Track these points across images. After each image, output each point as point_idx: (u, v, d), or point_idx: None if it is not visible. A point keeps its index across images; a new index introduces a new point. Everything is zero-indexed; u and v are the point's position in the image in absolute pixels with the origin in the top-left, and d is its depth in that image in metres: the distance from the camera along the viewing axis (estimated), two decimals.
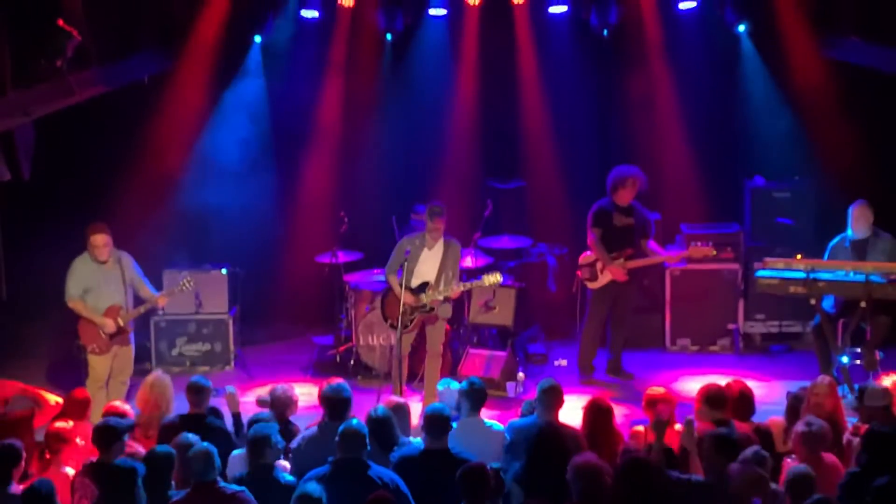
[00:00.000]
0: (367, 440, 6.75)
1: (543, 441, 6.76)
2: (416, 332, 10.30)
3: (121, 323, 9.77)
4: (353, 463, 6.65)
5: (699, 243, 11.04)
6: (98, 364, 9.76)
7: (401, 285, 9.95)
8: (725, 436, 6.57)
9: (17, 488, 6.88)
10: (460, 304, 11.42)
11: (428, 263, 10.14)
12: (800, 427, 7.01)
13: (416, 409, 8.72)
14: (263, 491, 6.67)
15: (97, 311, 9.74)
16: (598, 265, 10.94)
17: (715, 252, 10.95)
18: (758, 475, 6.30)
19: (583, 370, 11.19)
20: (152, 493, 6.55)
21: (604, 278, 10.94)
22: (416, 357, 10.60)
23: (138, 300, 10.05)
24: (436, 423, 7.03)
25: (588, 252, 11.07)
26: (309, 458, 7.13)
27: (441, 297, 10.08)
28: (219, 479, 6.72)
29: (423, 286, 10.09)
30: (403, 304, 9.95)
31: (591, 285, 11.07)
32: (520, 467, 6.70)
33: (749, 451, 6.61)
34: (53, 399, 8.58)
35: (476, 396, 7.73)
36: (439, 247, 10.17)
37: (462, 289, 10.16)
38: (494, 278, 10.09)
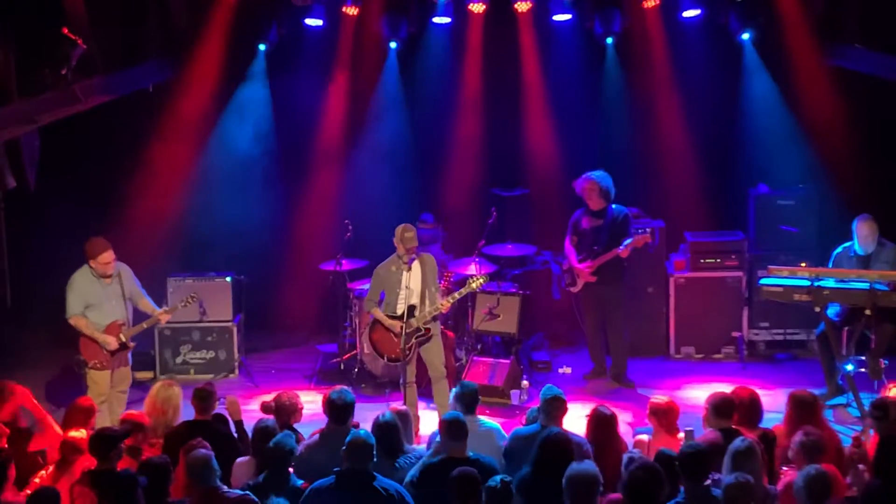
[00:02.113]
0: (375, 451, 6.75)
1: (547, 449, 6.75)
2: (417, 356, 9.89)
3: (123, 339, 9.68)
4: (359, 474, 6.64)
5: (649, 239, 11.03)
6: (100, 378, 9.66)
7: (389, 317, 9.71)
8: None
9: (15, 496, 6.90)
10: (464, 312, 11.43)
11: (411, 286, 9.64)
12: (798, 437, 7.01)
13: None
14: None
15: (99, 328, 9.62)
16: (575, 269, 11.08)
17: (650, 237, 11.00)
18: (745, 482, 6.29)
19: (597, 375, 11.39)
20: (151, 502, 6.55)
21: (580, 282, 11.02)
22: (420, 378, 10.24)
23: (137, 313, 9.98)
24: (454, 429, 7.05)
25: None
26: (311, 465, 7.14)
27: (430, 317, 9.71)
28: (220, 484, 6.75)
29: (411, 310, 9.63)
30: (396, 336, 9.62)
31: (573, 290, 11.20)
32: (523, 475, 6.69)
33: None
34: (59, 430, 8.23)
35: (468, 398, 7.80)
36: (416, 265, 9.73)
37: (450, 302, 9.82)
38: (478, 282, 9.87)
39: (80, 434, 7.57)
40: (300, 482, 6.95)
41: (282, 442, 6.96)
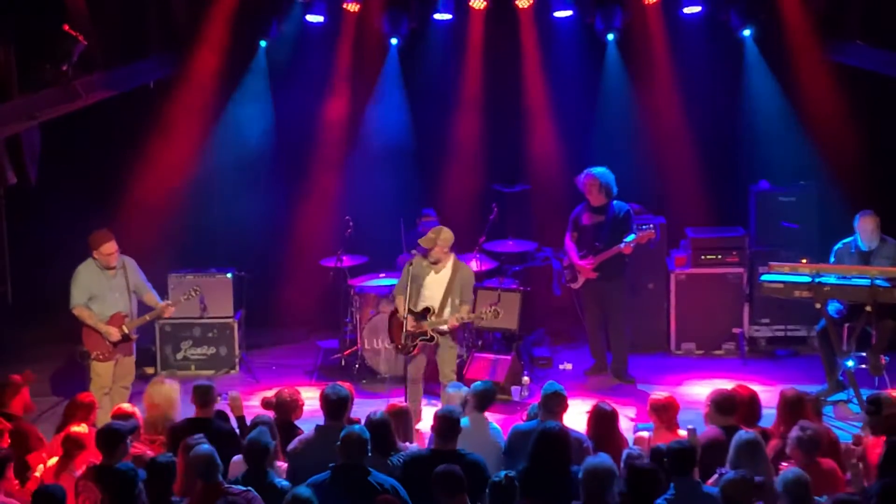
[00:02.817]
0: (369, 446, 6.75)
1: (543, 442, 6.76)
2: (427, 357, 9.86)
3: (125, 331, 9.70)
4: (354, 469, 6.65)
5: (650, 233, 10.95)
6: (103, 370, 9.71)
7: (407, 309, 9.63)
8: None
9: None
10: None
11: (433, 287, 9.66)
12: (794, 433, 7.00)
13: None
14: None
15: (102, 319, 9.67)
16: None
17: (654, 233, 10.97)
18: (745, 480, 6.29)
19: (598, 371, 11.39)
20: (154, 501, 6.56)
21: (581, 278, 11.03)
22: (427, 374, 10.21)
23: (142, 306, 10.01)
24: (446, 425, 7.06)
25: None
26: (305, 460, 7.14)
27: (442, 328, 9.61)
28: (222, 479, 6.75)
29: (426, 312, 9.64)
30: (405, 330, 9.56)
31: (573, 286, 11.19)
32: (520, 469, 6.71)
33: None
34: (48, 461, 7.80)
35: (485, 396, 7.85)
36: (447, 270, 9.67)
37: (458, 321, 9.61)
38: (492, 314, 9.74)
39: (82, 429, 7.57)
40: (286, 483, 6.91)
41: (255, 439, 6.93)
